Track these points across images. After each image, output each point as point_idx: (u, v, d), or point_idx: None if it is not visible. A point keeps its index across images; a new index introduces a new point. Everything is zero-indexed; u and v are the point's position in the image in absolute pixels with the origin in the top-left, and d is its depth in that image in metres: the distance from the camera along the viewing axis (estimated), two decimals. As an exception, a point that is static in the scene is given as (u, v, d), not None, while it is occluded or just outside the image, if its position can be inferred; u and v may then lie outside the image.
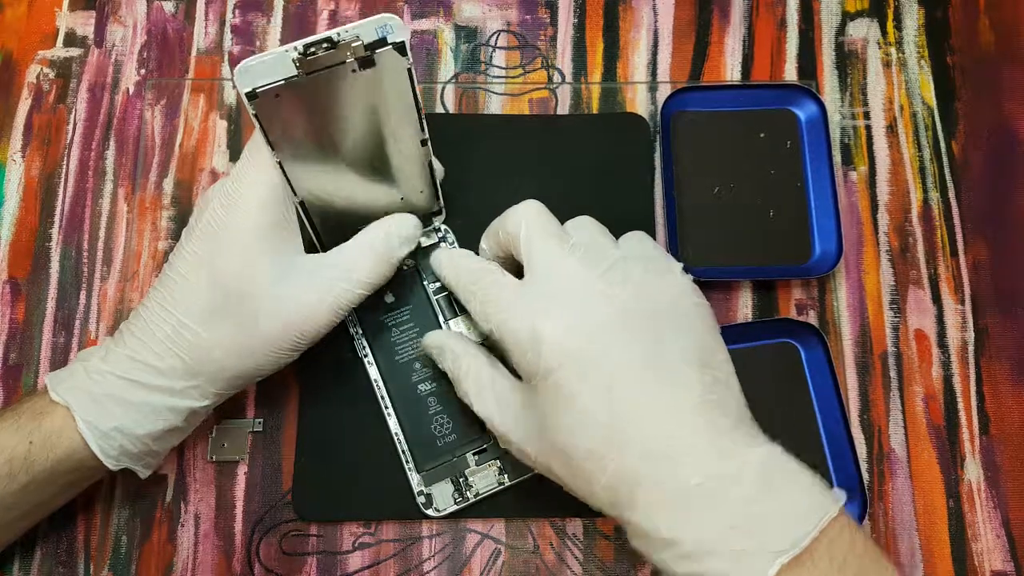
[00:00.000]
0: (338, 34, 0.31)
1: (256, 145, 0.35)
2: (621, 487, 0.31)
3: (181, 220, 0.46)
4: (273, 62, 0.31)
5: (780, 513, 0.29)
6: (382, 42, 0.32)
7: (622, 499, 0.31)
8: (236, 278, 0.35)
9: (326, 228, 0.39)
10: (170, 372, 0.35)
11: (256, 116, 0.32)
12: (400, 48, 0.32)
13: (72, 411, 0.35)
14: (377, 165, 0.37)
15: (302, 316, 0.36)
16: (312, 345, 0.37)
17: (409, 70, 0.33)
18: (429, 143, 0.38)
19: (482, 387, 0.36)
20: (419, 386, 0.42)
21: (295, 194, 0.36)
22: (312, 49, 0.31)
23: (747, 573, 0.28)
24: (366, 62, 0.32)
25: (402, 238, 0.38)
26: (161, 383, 0.35)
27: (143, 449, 0.36)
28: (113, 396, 0.35)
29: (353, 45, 0.31)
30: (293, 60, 0.31)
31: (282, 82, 0.31)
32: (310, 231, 0.39)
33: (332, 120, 0.34)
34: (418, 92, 0.34)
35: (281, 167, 0.35)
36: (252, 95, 0.31)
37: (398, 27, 0.32)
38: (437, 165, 0.41)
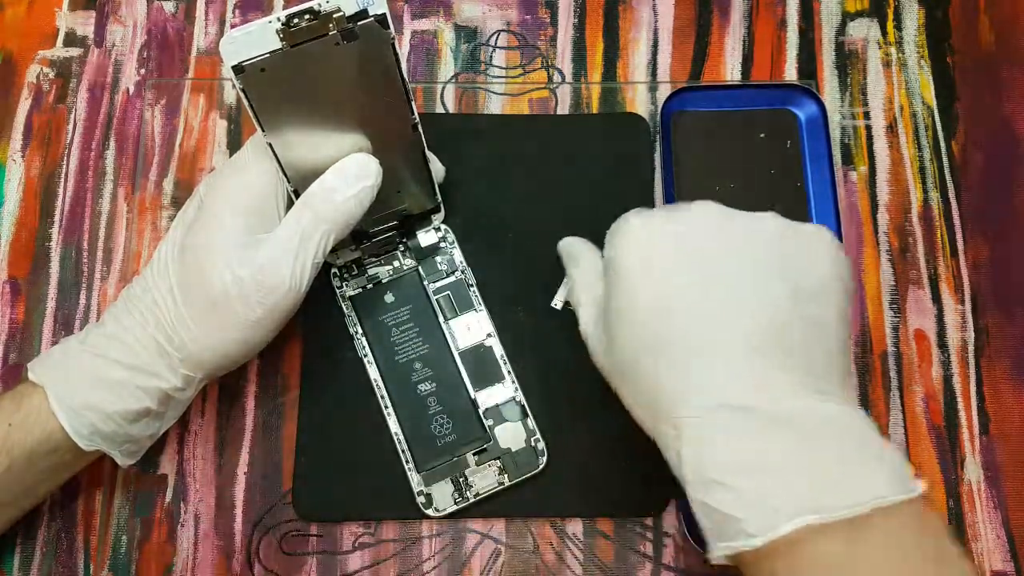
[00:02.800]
0: (319, 4, 0.31)
1: (254, 139, 0.36)
2: (660, 397, 0.30)
3: (181, 220, 0.46)
4: (257, 34, 0.31)
5: (825, 471, 0.27)
6: (363, 14, 0.32)
7: (661, 411, 0.30)
8: (204, 255, 0.35)
9: None
10: (141, 350, 0.36)
11: (244, 91, 0.32)
12: (382, 20, 0.32)
13: (46, 389, 0.35)
14: (369, 151, 0.37)
15: (260, 267, 0.35)
16: (287, 312, 0.36)
17: (392, 44, 0.33)
18: (421, 128, 0.38)
19: (587, 288, 0.36)
20: (419, 386, 0.42)
21: (288, 182, 0.36)
22: (295, 20, 0.31)
23: (758, 521, 0.26)
24: (349, 34, 0.32)
25: (350, 176, 0.36)
26: (131, 360, 0.35)
27: (117, 430, 0.36)
28: (85, 373, 0.35)
29: (335, 16, 0.32)
30: (277, 31, 0.31)
31: (267, 55, 0.32)
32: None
33: (320, 98, 0.34)
34: (404, 70, 0.34)
35: (272, 149, 0.35)
36: (239, 69, 0.32)
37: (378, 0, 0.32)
38: (437, 165, 0.41)
